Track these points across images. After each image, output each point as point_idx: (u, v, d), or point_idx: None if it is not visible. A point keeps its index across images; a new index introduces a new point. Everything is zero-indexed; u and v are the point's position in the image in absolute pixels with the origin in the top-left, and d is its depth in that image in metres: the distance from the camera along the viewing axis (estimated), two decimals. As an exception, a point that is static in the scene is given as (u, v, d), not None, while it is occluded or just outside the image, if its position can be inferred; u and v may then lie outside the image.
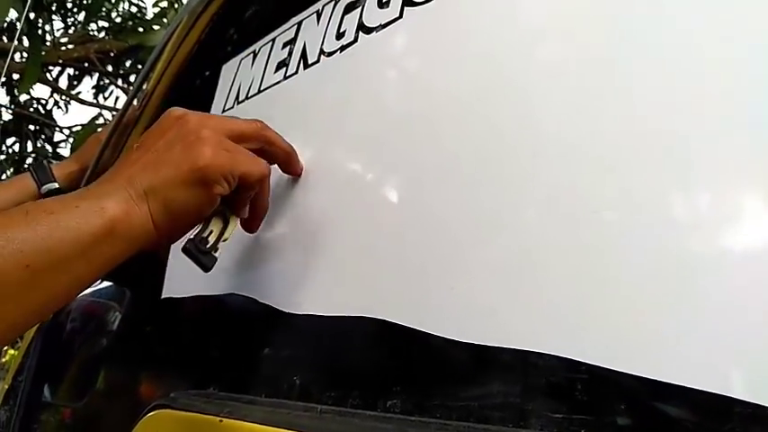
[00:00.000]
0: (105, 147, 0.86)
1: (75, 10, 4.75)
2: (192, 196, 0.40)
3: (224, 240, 0.45)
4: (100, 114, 4.63)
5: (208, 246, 0.44)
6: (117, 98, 4.82)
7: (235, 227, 0.46)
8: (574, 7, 0.34)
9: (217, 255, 0.44)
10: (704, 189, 0.25)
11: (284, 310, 0.45)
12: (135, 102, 0.90)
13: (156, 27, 4.07)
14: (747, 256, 0.23)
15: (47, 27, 4.52)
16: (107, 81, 4.83)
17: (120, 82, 4.76)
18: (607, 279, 0.27)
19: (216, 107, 0.70)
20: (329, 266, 0.43)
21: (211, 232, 0.44)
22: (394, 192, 0.40)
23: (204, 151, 0.40)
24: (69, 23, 4.85)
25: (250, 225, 0.48)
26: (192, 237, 0.44)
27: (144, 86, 0.92)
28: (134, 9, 4.68)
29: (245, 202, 0.46)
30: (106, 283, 0.88)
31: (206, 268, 0.44)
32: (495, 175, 0.34)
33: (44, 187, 0.82)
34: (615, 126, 0.29)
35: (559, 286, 0.29)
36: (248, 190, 0.44)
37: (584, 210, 0.29)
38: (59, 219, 0.36)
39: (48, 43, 4.44)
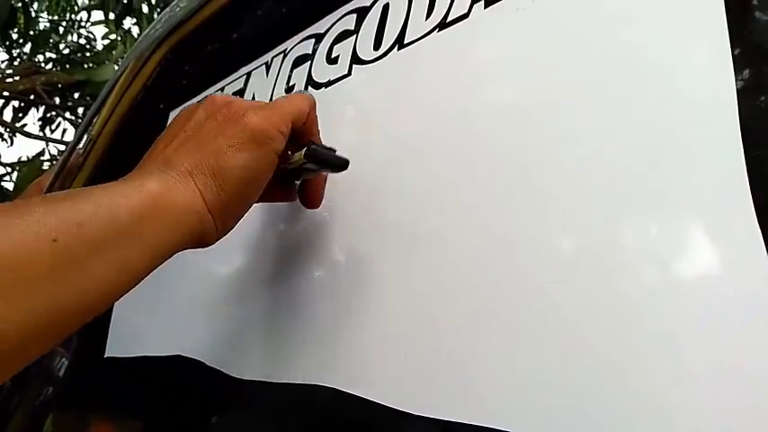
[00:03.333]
0: (47, 193, 0.83)
1: (21, 41, 4.63)
2: (247, 159, 0.34)
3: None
4: (45, 149, 4.48)
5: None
6: (64, 130, 4.69)
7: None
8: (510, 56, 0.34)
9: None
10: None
11: (232, 375, 0.43)
12: (79, 146, 0.87)
13: (106, 62, 4.00)
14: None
15: (-9, 59, 4.38)
16: (54, 113, 4.70)
17: (67, 114, 4.63)
18: (564, 352, 0.27)
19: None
20: (281, 332, 0.41)
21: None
22: (347, 257, 0.39)
23: (247, 111, 0.35)
24: (15, 55, 4.71)
25: (312, 200, 0.42)
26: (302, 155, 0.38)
27: (90, 129, 0.89)
28: (83, 41, 4.59)
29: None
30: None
31: (346, 162, 0.39)
32: (445, 239, 0.34)
33: None
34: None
35: (520, 359, 0.28)
36: (305, 135, 0.39)
37: (541, 278, 0.29)
38: (89, 193, 0.30)
39: (-8, 75, 4.30)
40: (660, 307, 0.24)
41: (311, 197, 0.42)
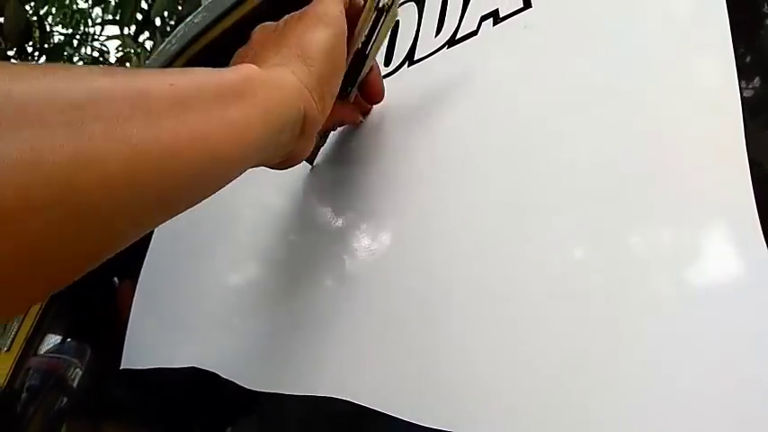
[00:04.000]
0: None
1: (36, 54, 4.70)
2: (321, 36, 0.36)
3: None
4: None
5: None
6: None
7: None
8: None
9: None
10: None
11: (248, 387, 0.44)
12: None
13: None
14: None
15: (6, 72, 4.44)
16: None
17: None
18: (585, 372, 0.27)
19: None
20: (296, 343, 0.42)
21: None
22: (361, 268, 0.40)
23: (308, 10, 0.37)
24: (30, 68, 4.77)
25: (374, 94, 0.43)
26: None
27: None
28: (96, 54, 4.65)
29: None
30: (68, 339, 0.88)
31: None
32: (455, 253, 0.34)
33: None
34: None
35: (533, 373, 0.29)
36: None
37: (544, 289, 0.29)
38: (184, 72, 0.28)
39: (7, 88, 4.35)
40: (661, 318, 0.25)
41: (372, 91, 0.43)
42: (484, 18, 0.38)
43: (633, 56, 0.30)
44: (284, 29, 0.37)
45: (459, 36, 0.40)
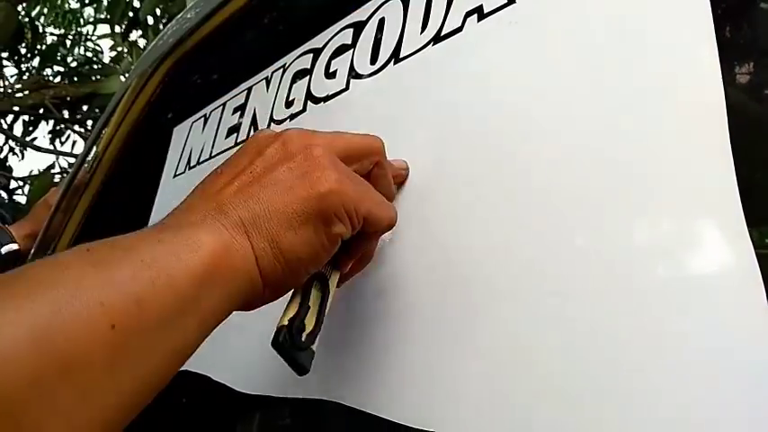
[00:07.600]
0: (56, 210, 0.84)
1: (29, 56, 4.68)
2: (311, 237, 0.29)
3: (321, 320, 0.32)
4: (55, 162, 4.52)
5: (305, 334, 0.31)
6: (74, 143, 4.73)
7: (333, 295, 0.34)
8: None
9: (314, 347, 0.32)
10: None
11: (239, 390, 0.44)
12: (87, 158, 0.89)
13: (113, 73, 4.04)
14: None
15: (-1, 74, 4.44)
16: (63, 126, 4.74)
17: (76, 127, 4.67)
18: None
19: (168, 170, 0.69)
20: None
21: (308, 309, 0.32)
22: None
23: (325, 174, 0.30)
24: (23, 69, 4.76)
25: (342, 279, 0.36)
26: (285, 322, 0.31)
27: (97, 143, 0.90)
28: (90, 54, 4.63)
29: (357, 253, 0.35)
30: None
31: (303, 370, 0.31)
32: (450, 250, 0.34)
33: (4, 248, 0.82)
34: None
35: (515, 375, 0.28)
36: (366, 240, 0.34)
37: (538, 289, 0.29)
38: (141, 256, 0.25)
39: (0, 90, 4.34)
40: (650, 312, 0.24)
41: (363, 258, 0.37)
42: (468, 14, 0.38)
43: (619, 52, 0.30)
44: (281, 175, 0.30)
45: (444, 32, 0.39)
